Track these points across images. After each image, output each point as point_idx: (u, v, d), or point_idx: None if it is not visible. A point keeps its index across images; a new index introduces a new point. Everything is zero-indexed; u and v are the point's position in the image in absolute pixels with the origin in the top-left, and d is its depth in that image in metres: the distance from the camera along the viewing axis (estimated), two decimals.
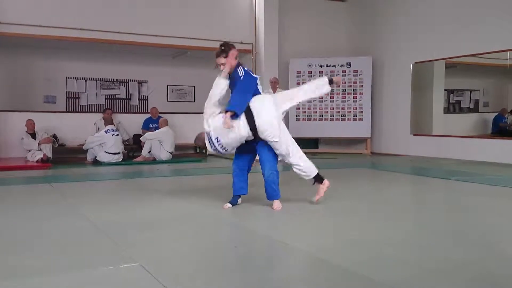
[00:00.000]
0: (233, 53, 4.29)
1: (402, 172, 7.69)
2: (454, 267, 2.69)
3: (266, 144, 4.26)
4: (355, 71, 10.96)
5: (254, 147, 4.35)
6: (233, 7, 10.80)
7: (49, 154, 8.50)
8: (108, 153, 8.67)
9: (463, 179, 6.48)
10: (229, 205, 4.38)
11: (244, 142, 4.25)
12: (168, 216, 4.12)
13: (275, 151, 4.28)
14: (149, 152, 9.14)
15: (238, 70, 4.29)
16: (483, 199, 5.02)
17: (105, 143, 8.65)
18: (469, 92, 10.55)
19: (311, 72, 11.10)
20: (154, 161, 9.08)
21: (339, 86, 4.44)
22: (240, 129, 4.12)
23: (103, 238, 3.31)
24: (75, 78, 10.80)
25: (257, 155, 4.39)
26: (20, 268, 2.67)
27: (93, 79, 10.96)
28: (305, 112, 11.15)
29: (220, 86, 4.28)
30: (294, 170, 4.38)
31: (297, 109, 11.12)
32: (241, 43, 10.31)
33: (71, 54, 10.51)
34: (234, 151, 4.34)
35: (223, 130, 4.09)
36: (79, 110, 10.78)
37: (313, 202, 4.45)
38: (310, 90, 4.51)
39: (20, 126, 8.74)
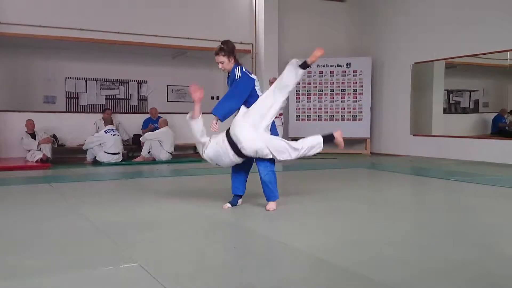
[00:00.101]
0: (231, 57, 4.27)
1: (402, 172, 7.69)
2: (454, 267, 2.69)
3: None
4: (355, 72, 10.96)
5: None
6: (233, 7, 10.80)
7: (49, 154, 8.50)
8: (108, 153, 8.67)
9: (462, 179, 6.48)
10: (229, 205, 4.37)
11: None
12: (168, 216, 4.11)
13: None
14: (148, 152, 9.14)
15: (235, 70, 4.26)
16: (483, 199, 5.02)
17: (104, 143, 8.65)
18: (468, 92, 10.55)
19: (310, 72, 11.10)
20: (153, 161, 9.08)
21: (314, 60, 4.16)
22: (231, 157, 4.11)
23: (103, 238, 3.31)
24: (75, 78, 10.80)
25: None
26: (20, 268, 2.66)
27: (93, 79, 10.96)
28: (304, 112, 11.15)
29: (195, 127, 4.13)
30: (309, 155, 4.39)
31: (296, 109, 11.13)
32: (241, 43, 10.31)
33: (71, 54, 10.51)
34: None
35: (219, 157, 4.13)
36: (79, 110, 10.78)
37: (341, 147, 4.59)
38: (282, 84, 4.14)
39: (19, 126, 8.74)
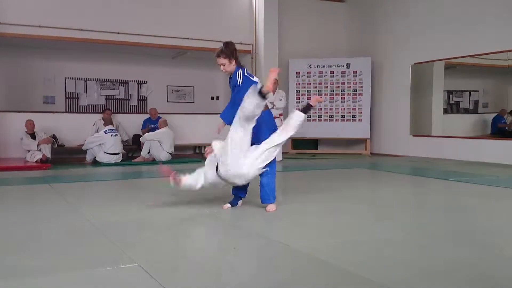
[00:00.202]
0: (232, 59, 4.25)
1: (402, 172, 7.69)
2: (454, 267, 2.68)
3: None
4: (355, 72, 10.96)
5: None
6: (233, 7, 10.80)
7: (49, 155, 8.50)
8: (108, 153, 8.66)
9: (462, 179, 6.48)
10: (229, 205, 4.36)
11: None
12: (168, 216, 4.11)
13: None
14: (148, 152, 9.14)
15: (237, 73, 4.24)
16: (483, 199, 5.02)
17: (104, 143, 8.65)
18: (468, 92, 10.56)
19: (310, 72, 11.10)
20: (153, 161, 9.07)
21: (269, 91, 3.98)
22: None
23: (102, 239, 3.30)
24: (75, 78, 10.79)
25: None
26: (19, 268, 2.66)
27: (93, 80, 10.95)
28: None
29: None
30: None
31: (296, 109, 11.09)
32: (241, 43, 10.30)
33: (70, 55, 10.50)
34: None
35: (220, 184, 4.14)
36: (79, 111, 10.77)
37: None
38: (245, 115, 3.86)
39: (19, 127, 8.73)
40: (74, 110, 10.73)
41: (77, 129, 9.44)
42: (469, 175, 6.99)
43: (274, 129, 4.28)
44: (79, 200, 4.89)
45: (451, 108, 10.51)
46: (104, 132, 8.78)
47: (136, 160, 9.12)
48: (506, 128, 9.57)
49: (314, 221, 3.94)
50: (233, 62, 4.27)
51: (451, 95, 10.50)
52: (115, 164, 8.65)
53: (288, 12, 11.34)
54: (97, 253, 2.95)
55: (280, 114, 9.34)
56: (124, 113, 10.98)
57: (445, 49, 9.57)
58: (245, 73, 4.27)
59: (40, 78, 10.41)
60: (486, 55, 8.92)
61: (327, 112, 11.08)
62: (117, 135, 8.93)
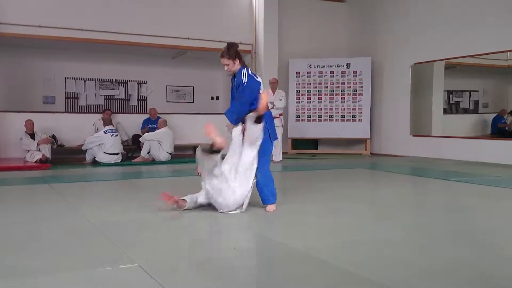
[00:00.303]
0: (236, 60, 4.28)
1: (402, 172, 7.69)
2: (454, 267, 2.68)
3: (260, 149, 4.26)
4: (355, 72, 10.96)
5: None
6: (233, 7, 10.79)
7: (48, 155, 8.49)
8: (107, 153, 8.66)
9: (462, 180, 6.48)
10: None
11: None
12: (167, 216, 4.10)
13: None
14: (148, 152, 9.13)
15: (242, 72, 4.26)
16: (483, 200, 5.02)
17: (104, 143, 8.65)
18: (468, 93, 10.55)
19: (310, 72, 11.10)
20: (153, 161, 9.07)
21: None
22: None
23: (102, 239, 3.30)
24: (74, 78, 10.79)
25: None
26: (19, 268, 2.66)
27: (92, 80, 10.95)
28: (304, 112, 11.15)
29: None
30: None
31: (296, 109, 11.13)
32: (241, 43, 10.27)
33: (70, 55, 10.50)
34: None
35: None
36: (78, 111, 10.77)
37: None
38: (252, 141, 4.14)
39: (19, 127, 8.73)
40: (73, 110, 10.72)
41: (77, 129, 9.43)
42: (469, 175, 6.99)
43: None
44: (79, 200, 4.89)
45: (451, 108, 10.51)
46: (104, 132, 8.77)
47: (136, 160, 9.11)
48: (506, 128, 9.56)
49: (314, 221, 3.94)
50: (237, 62, 4.29)
51: (451, 95, 10.50)
52: (115, 164, 8.65)
53: (288, 12, 11.34)
54: (97, 253, 2.95)
55: (280, 114, 9.34)
56: (123, 113, 10.98)
57: (445, 49, 9.57)
58: (250, 73, 4.30)
59: (40, 78, 10.41)
60: (486, 55, 8.92)
61: (327, 112, 11.08)
62: (117, 135, 8.93)
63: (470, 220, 4.06)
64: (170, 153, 9.27)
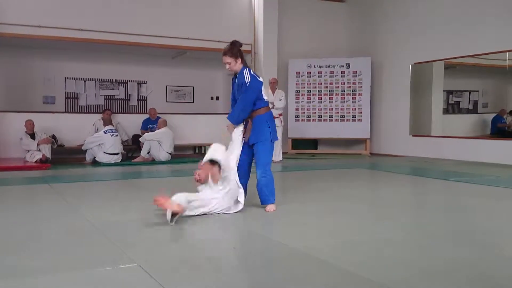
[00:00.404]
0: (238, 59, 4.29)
1: (401, 172, 7.69)
2: (454, 267, 2.68)
3: (260, 148, 4.26)
4: (354, 72, 10.96)
5: (249, 158, 4.38)
6: (232, 7, 10.80)
7: (48, 155, 8.49)
8: (107, 153, 8.66)
9: (462, 179, 6.48)
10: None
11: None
12: (167, 216, 4.10)
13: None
14: (148, 152, 9.13)
15: (244, 72, 4.26)
16: (482, 200, 5.02)
17: (104, 143, 8.65)
18: (468, 93, 10.56)
19: (310, 72, 11.10)
20: (153, 161, 9.07)
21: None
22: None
23: (102, 239, 3.30)
24: (74, 78, 10.80)
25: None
26: (19, 268, 2.66)
27: (92, 80, 10.95)
28: (304, 112, 11.15)
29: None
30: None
31: (296, 109, 11.13)
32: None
33: (70, 55, 10.50)
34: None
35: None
36: (78, 111, 10.77)
37: None
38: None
39: (19, 127, 8.73)
40: (73, 110, 10.73)
41: (77, 129, 9.43)
42: (469, 175, 6.99)
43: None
44: (79, 200, 4.88)
45: (451, 108, 10.51)
46: (104, 132, 8.77)
47: (136, 160, 9.11)
48: (506, 128, 9.57)
49: (314, 221, 3.94)
50: (239, 61, 4.29)
51: (451, 95, 10.50)
52: (115, 164, 8.65)
53: (288, 12, 11.34)
54: (97, 253, 2.95)
55: (280, 114, 9.34)
56: (123, 113, 10.98)
57: (445, 49, 9.58)
58: (252, 73, 4.30)
59: (40, 78, 10.42)
60: (486, 55, 8.92)
61: (326, 112, 11.08)
62: (117, 135, 8.93)
63: (470, 220, 4.06)
64: (170, 153, 9.27)
